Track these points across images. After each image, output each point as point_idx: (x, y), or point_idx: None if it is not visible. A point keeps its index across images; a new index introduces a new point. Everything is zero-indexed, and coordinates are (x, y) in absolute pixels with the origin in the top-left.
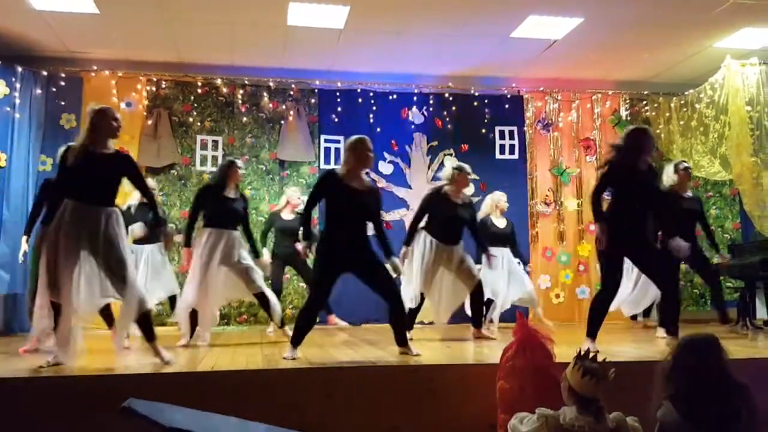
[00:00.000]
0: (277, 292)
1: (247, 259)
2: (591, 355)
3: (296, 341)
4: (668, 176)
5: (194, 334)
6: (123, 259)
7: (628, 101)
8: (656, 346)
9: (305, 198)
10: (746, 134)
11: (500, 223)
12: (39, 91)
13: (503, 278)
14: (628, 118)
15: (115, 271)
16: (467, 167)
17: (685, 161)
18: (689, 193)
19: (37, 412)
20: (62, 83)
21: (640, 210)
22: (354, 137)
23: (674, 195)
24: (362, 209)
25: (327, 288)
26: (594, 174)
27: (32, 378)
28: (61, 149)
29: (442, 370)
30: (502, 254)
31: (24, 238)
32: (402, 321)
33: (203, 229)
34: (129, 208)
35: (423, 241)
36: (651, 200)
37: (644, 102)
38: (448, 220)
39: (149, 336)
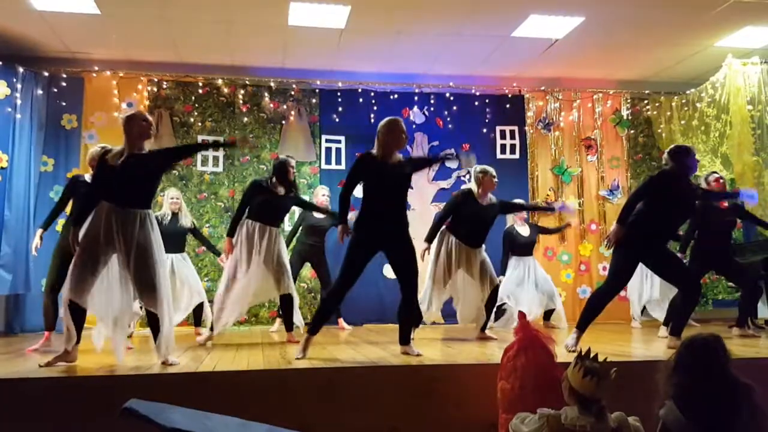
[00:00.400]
0: None
1: (285, 258)
2: (592, 355)
3: (315, 328)
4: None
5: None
6: (153, 265)
7: (629, 100)
8: (658, 345)
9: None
10: (748, 133)
11: (524, 231)
12: (40, 91)
13: (529, 289)
14: (629, 118)
15: (143, 276)
16: (492, 170)
17: (716, 172)
18: (726, 204)
19: (39, 412)
20: (63, 84)
21: (670, 223)
22: (388, 119)
23: (710, 207)
24: (400, 183)
25: (358, 267)
26: (595, 174)
27: (34, 378)
28: (95, 151)
29: (443, 370)
30: (528, 263)
31: (39, 231)
32: (410, 317)
33: (246, 222)
34: (159, 219)
35: (446, 240)
36: (686, 216)
37: (645, 101)
38: (473, 222)
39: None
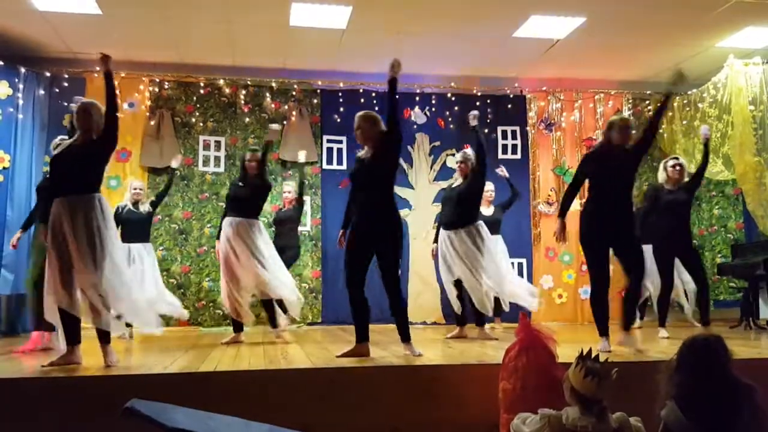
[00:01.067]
0: None
1: (268, 251)
2: (593, 355)
3: (362, 335)
4: (660, 174)
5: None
6: (99, 242)
7: (630, 101)
8: (658, 346)
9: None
10: (749, 133)
11: (488, 211)
12: (42, 91)
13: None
14: (631, 118)
15: (88, 255)
16: (467, 153)
17: (677, 157)
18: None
19: (39, 412)
20: (65, 84)
21: (619, 198)
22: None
23: (659, 191)
24: (374, 174)
25: (356, 268)
26: None
27: (34, 378)
28: (54, 142)
29: (444, 370)
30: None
31: (19, 232)
32: (401, 316)
33: (225, 219)
34: (119, 209)
35: (439, 237)
36: (627, 186)
37: (647, 102)
38: (446, 204)
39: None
